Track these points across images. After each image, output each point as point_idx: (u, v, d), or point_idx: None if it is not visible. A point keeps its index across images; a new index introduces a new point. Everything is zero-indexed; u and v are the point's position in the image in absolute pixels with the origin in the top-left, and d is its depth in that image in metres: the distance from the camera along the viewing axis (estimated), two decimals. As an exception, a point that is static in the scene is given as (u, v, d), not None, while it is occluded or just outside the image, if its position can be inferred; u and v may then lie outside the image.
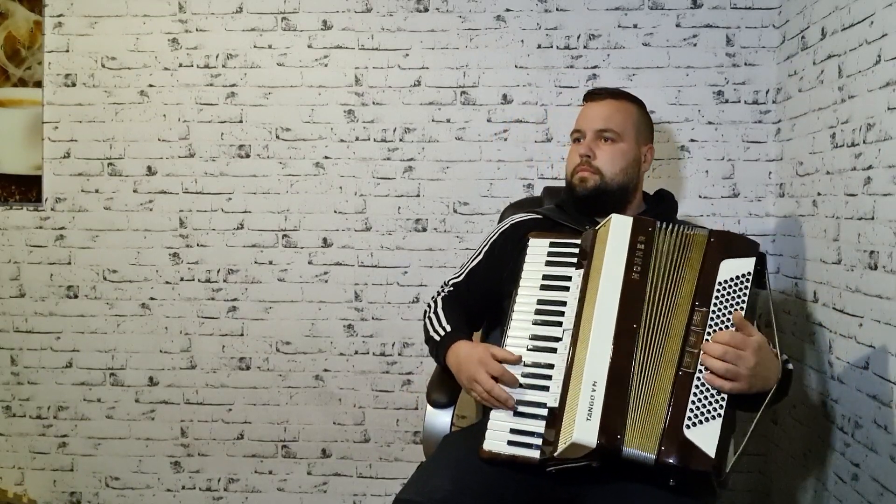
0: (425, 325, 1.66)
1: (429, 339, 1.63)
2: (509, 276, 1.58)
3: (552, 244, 1.52)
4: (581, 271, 1.43)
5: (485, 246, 1.73)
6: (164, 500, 2.40)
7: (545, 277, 1.48)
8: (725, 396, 1.29)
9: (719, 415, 1.27)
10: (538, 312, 1.45)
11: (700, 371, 1.30)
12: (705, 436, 1.26)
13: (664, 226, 1.42)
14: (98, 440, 2.40)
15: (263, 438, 2.38)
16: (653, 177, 2.25)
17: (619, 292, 1.36)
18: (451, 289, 1.71)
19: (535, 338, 1.42)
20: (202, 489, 2.39)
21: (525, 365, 1.40)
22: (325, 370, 2.36)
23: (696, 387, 1.29)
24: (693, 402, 1.28)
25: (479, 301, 1.70)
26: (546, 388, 1.36)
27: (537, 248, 1.53)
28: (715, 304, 1.34)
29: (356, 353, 2.35)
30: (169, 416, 2.39)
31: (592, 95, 1.71)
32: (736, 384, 1.28)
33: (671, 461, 1.25)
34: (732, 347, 1.28)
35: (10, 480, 2.41)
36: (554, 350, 1.39)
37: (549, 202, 1.86)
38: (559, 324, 1.41)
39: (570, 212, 1.67)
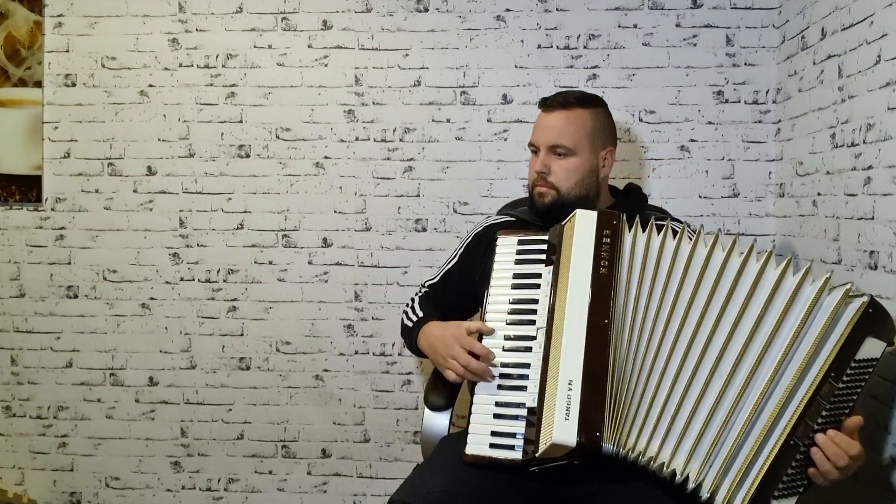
0: (402, 320, 1.69)
1: (403, 330, 1.66)
2: (481, 277, 1.58)
3: (520, 241, 1.51)
4: (551, 268, 1.42)
5: (460, 248, 1.74)
6: (164, 500, 2.40)
7: (516, 276, 1.47)
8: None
9: (800, 493, 1.26)
10: (511, 312, 1.43)
11: (805, 446, 1.25)
12: None
13: (628, 218, 1.40)
14: (98, 440, 2.40)
15: (263, 438, 2.38)
16: (653, 177, 2.25)
17: (588, 288, 1.34)
18: (427, 289, 1.73)
19: (509, 338, 1.41)
20: (202, 489, 2.39)
21: (502, 366, 1.39)
22: (325, 370, 2.36)
23: (797, 459, 1.25)
24: (788, 474, 1.25)
25: (455, 302, 1.71)
26: (524, 388, 1.35)
27: (506, 247, 1.51)
28: (844, 381, 1.27)
29: (356, 353, 2.35)
30: (169, 416, 2.39)
31: (545, 104, 1.63)
32: (826, 483, 1.26)
33: None
34: (845, 453, 1.24)
35: (10, 480, 2.41)
36: (529, 349, 1.38)
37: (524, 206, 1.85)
38: (533, 322, 1.40)
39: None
